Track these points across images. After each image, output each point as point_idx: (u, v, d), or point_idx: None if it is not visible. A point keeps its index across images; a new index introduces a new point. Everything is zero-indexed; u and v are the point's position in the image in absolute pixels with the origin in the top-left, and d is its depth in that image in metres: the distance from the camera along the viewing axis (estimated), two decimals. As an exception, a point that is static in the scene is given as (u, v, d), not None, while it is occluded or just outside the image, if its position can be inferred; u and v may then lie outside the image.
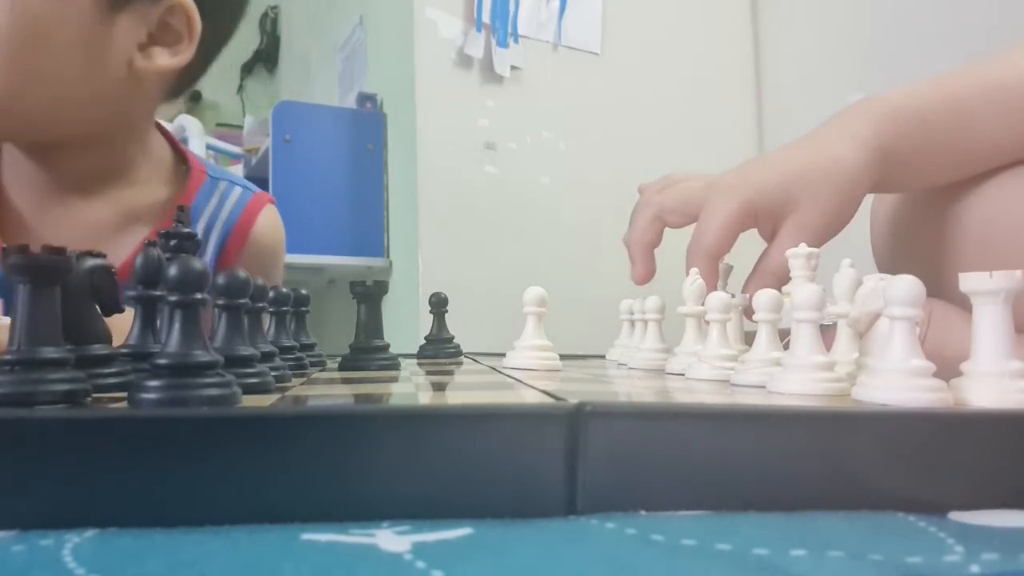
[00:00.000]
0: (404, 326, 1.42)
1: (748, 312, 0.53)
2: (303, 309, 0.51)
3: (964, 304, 0.33)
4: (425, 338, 0.63)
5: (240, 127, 2.44)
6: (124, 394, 0.28)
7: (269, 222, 0.81)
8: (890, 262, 0.66)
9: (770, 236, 0.55)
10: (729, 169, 0.58)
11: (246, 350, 0.33)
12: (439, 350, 0.62)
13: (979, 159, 0.58)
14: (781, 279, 0.52)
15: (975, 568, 0.21)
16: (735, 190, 0.54)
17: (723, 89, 1.81)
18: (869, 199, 0.68)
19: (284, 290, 0.47)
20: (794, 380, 0.35)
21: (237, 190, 0.80)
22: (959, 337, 0.35)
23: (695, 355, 0.46)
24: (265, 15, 3.07)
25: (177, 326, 0.28)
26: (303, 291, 0.51)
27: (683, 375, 0.46)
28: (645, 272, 0.61)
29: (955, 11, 1.41)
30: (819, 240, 0.53)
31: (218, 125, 2.83)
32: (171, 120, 1.85)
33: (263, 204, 0.80)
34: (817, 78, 1.70)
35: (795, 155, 0.55)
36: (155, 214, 0.74)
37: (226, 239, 0.77)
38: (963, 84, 0.57)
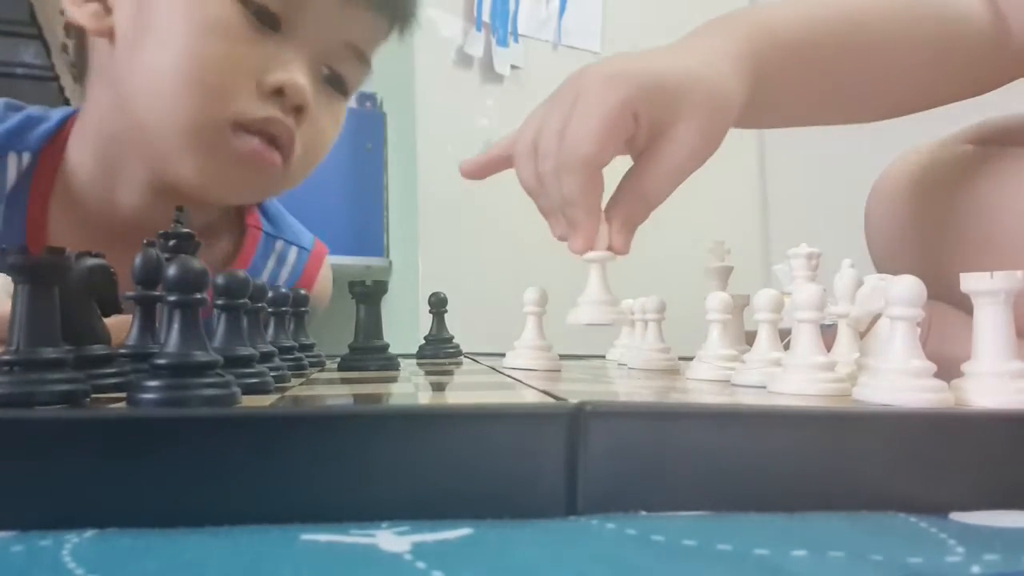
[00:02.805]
0: (404, 326, 1.42)
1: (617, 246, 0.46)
2: (302, 309, 0.51)
3: (965, 306, 0.33)
4: (425, 338, 0.63)
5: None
6: (123, 394, 0.28)
7: (324, 281, 0.82)
8: (890, 262, 0.66)
9: (641, 147, 0.47)
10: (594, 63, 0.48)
11: (245, 350, 0.33)
12: (439, 350, 0.62)
13: (845, 101, 0.55)
14: (654, 205, 0.46)
15: (976, 569, 0.21)
16: (612, 84, 0.44)
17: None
18: (866, 198, 0.68)
19: (283, 290, 0.47)
20: (795, 380, 0.35)
21: (294, 251, 0.80)
22: (960, 341, 0.35)
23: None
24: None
25: (176, 326, 0.28)
26: (302, 291, 0.51)
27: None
28: (593, 234, 0.46)
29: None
30: (696, 163, 0.46)
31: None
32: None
33: (319, 266, 0.81)
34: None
35: (675, 59, 0.48)
36: (213, 269, 0.74)
37: None
38: (830, 16, 0.54)
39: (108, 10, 0.63)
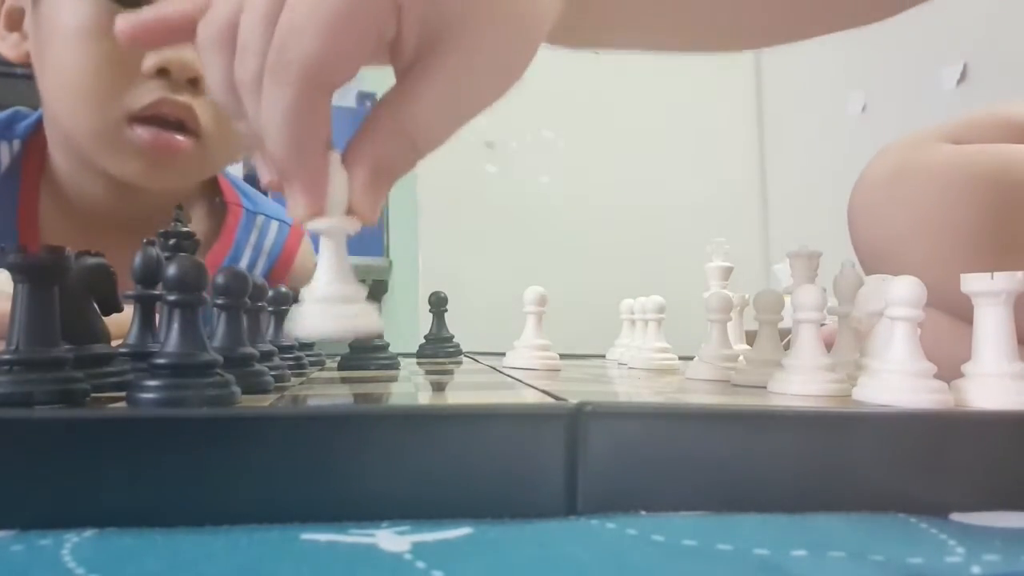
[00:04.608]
0: (404, 325, 1.42)
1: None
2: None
3: (948, 307, 0.32)
4: (425, 337, 0.63)
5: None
6: (123, 394, 0.28)
7: (305, 255, 0.83)
8: (875, 262, 0.65)
9: (406, 58, 0.30)
10: None
11: (245, 350, 0.33)
12: (439, 349, 0.62)
13: (702, 19, 0.42)
14: (423, 150, 0.31)
15: (976, 569, 0.21)
16: None
17: (723, 86, 1.81)
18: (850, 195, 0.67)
19: (283, 289, 0.47)
20: (795, 380, 0.35)
21: (274, 225, 0.81)
22: (951, 350, 0.35)
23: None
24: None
25: (176, 326, 0.28)
26: (302, 291, 0.51)
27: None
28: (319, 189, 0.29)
29: (953, 14, 1.41)
30: (489, 95, 0.33)
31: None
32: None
33: (300, 238, 0.82)
34: (817, 78, 1.70)
35: None
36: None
37: (267, 276, 0.78)
38: None
39: (25, 36, 0.65)
